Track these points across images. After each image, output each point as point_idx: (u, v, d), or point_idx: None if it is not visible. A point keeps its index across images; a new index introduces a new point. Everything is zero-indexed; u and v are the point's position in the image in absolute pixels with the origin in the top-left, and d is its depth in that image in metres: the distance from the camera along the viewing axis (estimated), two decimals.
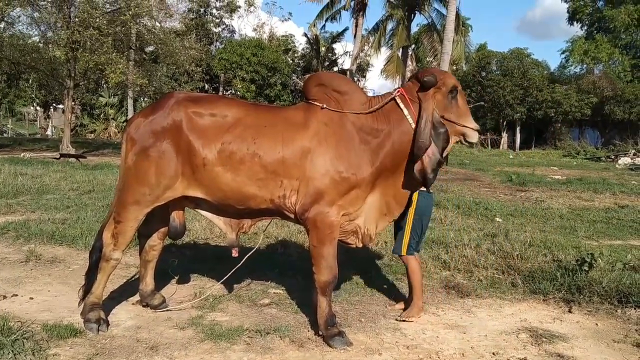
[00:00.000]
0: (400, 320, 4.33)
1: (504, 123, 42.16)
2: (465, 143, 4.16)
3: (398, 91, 3.97)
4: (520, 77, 39.90)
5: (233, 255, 4.10)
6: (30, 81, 33.96)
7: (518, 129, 42.16)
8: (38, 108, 44.18)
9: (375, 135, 3.88)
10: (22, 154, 18.18)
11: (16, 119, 48.81)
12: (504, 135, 42.90)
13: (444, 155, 3.95)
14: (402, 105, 3.90)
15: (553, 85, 40.09)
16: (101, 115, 36.33)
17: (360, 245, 4.08)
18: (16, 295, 4.53)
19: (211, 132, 3.80)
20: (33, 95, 37.78)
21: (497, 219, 9.16)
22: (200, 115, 3.83)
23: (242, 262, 4.34)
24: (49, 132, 37.83)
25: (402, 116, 3.87)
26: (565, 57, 47.48)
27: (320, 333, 3.87)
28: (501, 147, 42.34)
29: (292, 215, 3.92)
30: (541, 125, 42.15)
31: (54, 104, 39.81)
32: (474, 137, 3.97)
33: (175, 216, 4.15)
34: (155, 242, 4.31)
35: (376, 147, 3.87)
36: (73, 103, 29.13)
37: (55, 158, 17.58)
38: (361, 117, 3.90)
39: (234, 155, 3.77)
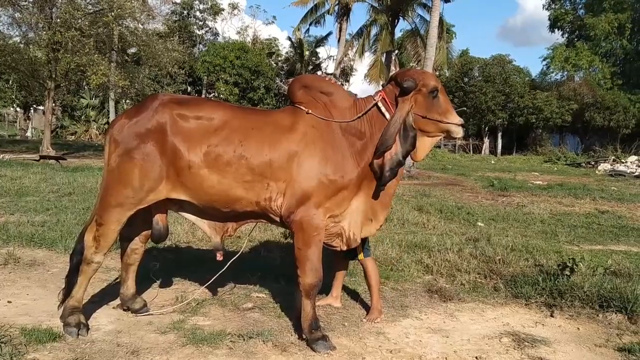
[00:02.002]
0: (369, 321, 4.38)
1: (486, 128, 42.57)
2: (451, 139, 4.17)
3: (380, 95, 3.97)
4: (502, 83, 40.36)
5: (217, 258, 4.06)
6: (10, 82, 33.58)
7: (499, 134, 42.60)
8: (18, 109, 43.60)
9: (360, 137, 3.89)
10: (0, 156, 17.91)
11: None
12: (486, 140, 43.30)
13: (410, 155, 3.98)
14: (383, 109, 3.91)
15: (534, 92, 40.60)
16: (82, 117, 35.94)
17: (345, 248, 4.07)
18: None
19: (197, 134, 3.76)
20: (13, 97, 37.28)
21: (479, 224, 9.22)
22: (185, 118, 3.79)
23: (226, 266, 4.29)
24: (29, 134, 37.31)
25: (384, 120, 3.87)
26: (546, 64, 48.09)
27: (304, 337, 3.84)
28: (483, 152, 42.72)
29: (277, 218, 3.90)
30: (522, 131, 42.63)
31: (34, 105, 39.35)
32: (459, 132, 3.98)
33: (159, 219, 4.09)
34: (137, 245, 4.26)
35: (361, 149, 3.87)
36: (54, 104, 28.83)
37: (35, 160, 17.37)
38: (346, 119, 3.90)
39: (220, 158, 3.74)
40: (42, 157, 17.68)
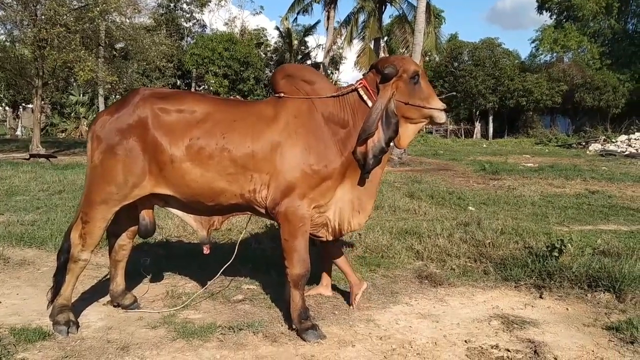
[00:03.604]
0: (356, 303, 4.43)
1: (477, 112, 42.61)
2: (434, 125, 4.17)
3: (360, 83, 3.97)
4: (491, 66, 40.37)
5: (204, 252, 4.07)
6: None
7: (490, 118, 42.66)
8: (7, 108, 43.27)
9: (343, 125, 3.89)
10: None
11: None
12: (477, 124, 43.35)
13: (392, 143, 3.98)
14: (365, 97, 3.90)
15: (524, 74, 40.63)
16: (72, 114, 35.70)
17: (331, 238, 4.09)
18: None
19: (178, 128, 3.75)
20: (1, 95, 36.96)
21: (470, 208, 9.25)
22: (166, 112, 3.78)
23: (228, 263, 4.33)
24: (18, 133, 37.07)
25: (367, 107, 3.87)
26: (535, 46, 48.16)
27: (294, 327, 3.86)
28: (474, 136, 42.78)
29: (262, 210, 3.90)
30: (513, 114, 42.70)
31: (23, 104, 39.01)
32: (441, 117, 3.97)
33: (145, 215, 4.09)
34: (125, 241, 4.25)
35: (344, 137, 3.87)
36: (43, 102, 28.61)
37: (24, 159, 17.26)
38: (329, 107, 3.90)
39: (202, 151, 3.73)
40: (31, 155, 17.57)
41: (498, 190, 12.05)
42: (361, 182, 3.97)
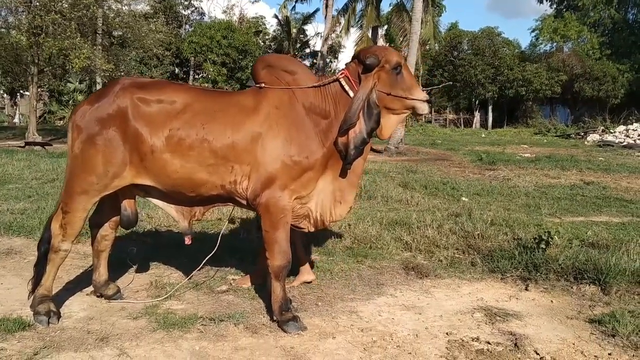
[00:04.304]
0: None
1: (476, 102, 42.51)
2: (416, 116, 4.15)
3: (342, 73, 3.93)
4: (491, 56, 40.27)
5: (186, 242, 4.05)
6: None
7: (490, 107, 42.57)
8: (4, 95, 43.13)
9: (324, 116, 3.86)
10: None
11: None
12: (477, 114, 43.27)
13: (373, 134, 3.95)
14: (347, 88, 3.87)
15: (524, 64, 40.50)
16: (70, 102, 35.54)
17: (313, 229, 4.06)
18: None
19: (158, 118, 3.72)
20: None
21: (464, 199, 9.23)
22: (146, 102, 3.74)
23: (211, 254, 4.33)
24: (16, 120, 36.99)
25: (348, 98, 3.84)
26: (535, 36, 47.95)
27: (275, 318, 3.85)
28: (474, 126, 42.71)
29: (244, 202, 3.88)
30: (513, 104, 42.62)
31: (21, 91, 38.88)
32: (424, 108, 3.94)
33: (127, 205, 4.06)
34: (107, 231, 4.24)
35: (326, 128, 3.85)
36: (40, 89, 28.49)
37: (20, 146, 17.24)
38: (310, 98, 3.87)
39: (182, 142, 3.70)
40: (27, 143, 17.55)
41: (493, 180, 12.04)
42: (343, 173, 3.94)
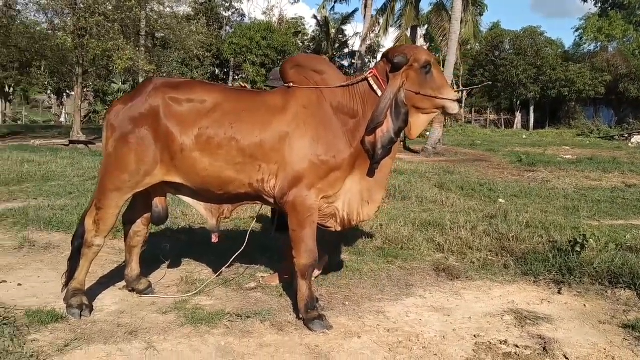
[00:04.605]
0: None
1: (518, 103, 41.84)
2: (447, 115, 4.11)
3: (371, 72, 3.92)
4: (533, 56, 39.55)
5: (213, 240, 4.11)
6: (42, 68, 34.16)
7: (532, 108, 41.84)
8: (52, 95, 44.41)
9: (352, 115, 3.86)
10: (32, 142, 18.31)
11: (31, 106, 49.21)
12: (518, 115, 42.58)
13: (402, 134, 3.95)
14: (375, 87, 3.86)
15: (567, 64, 39.66)
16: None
17: (339, 228, 4.07)
18: (5, 281, 4.55)
19: (189, 117, 3.78)
20: (46, 83, 37.95)
21: (500, 200, 9.09)
22: (177, 101, 3.81)
23: (239, 251, 4.37)
24: (62, 119, 38.10)
25: (376, 97, 3.82)
26: (579, 35, 46.87)
27: (301, 317, 3.87)
28: (515, 126, 42.04)
29: (271, 200, 3.91)
30: (555, 105, 41.77)
31: (67, 91, 39.99)
32: (454, 108, 3.89)
33: (158, 202, 4.16)
34: (140, 228, 4.32)
35: (354, 127, 3.84)
36: (85, 90, 29.24)
37: (64, 145, 17.72)
38: (338, 97, 3.87)
39: (211, 140, 3.75)
40: (71, 142, 18.04)
41: (532, 182, 11.82)
42: (370, 173, 3.93)
